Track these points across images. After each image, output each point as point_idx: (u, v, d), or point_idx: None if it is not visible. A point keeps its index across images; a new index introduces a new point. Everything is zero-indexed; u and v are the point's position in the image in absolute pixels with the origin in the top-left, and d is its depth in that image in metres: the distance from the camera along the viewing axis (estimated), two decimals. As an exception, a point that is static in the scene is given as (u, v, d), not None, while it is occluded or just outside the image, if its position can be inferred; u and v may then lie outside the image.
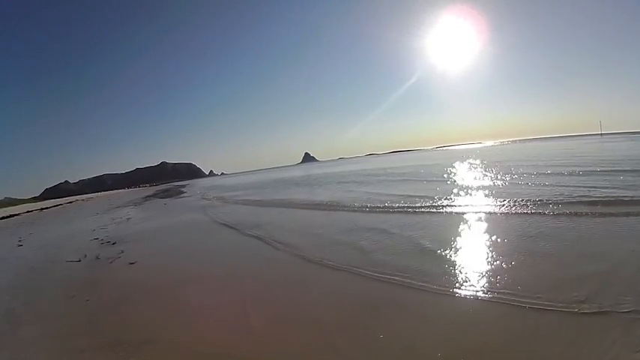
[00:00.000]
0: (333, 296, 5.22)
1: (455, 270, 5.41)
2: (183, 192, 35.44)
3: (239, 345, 4.30)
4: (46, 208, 47.35)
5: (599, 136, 79.53)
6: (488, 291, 4.65)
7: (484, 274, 5.16)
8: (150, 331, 4.76)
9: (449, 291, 4.77)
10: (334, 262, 6.50)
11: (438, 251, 6.36)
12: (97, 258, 8.83)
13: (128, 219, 18.04)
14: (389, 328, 4.10)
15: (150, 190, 44.44)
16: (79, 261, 8.69)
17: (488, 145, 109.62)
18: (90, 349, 4.35)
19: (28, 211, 38.55)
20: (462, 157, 49.67)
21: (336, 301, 5.05)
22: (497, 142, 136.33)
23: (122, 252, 9.22)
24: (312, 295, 5.41)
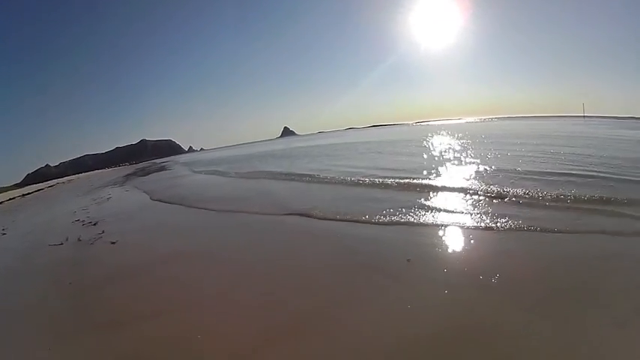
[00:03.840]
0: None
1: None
2: (162, 169, 35.56)
3: (226, 314, 4.55)
4: (28, 193, 46.38)
5: (582, 119, 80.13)
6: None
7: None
8: (136, 308, 4.93)
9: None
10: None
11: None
12: (79, 240, 9.09)
13: (109, 198, 18.13)
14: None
15: (130, 168, 43.94)
16: (62, 244, 8.94)
17: (468, 121, 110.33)
18: (77, 332, 4.49)
19: (10, 199, 37.83)
20: (436, 131, 51.39)
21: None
22: (478, 118, 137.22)
23: (103, 232, 9.47)
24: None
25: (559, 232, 6.26)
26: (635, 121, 63.46)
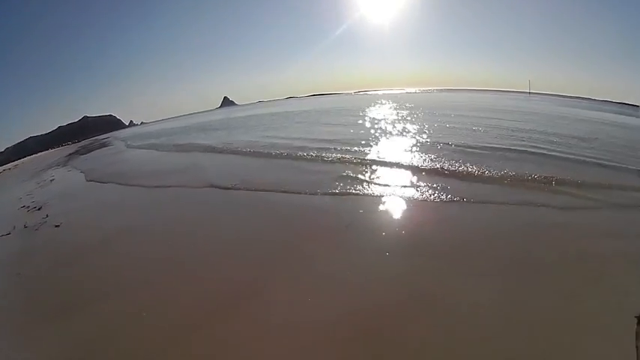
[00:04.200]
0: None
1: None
2: (103, 145, 34.40)
3: (168, 290, 4.77)
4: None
5: (528, 94, 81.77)
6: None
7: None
8: (86, 291, 5.05)
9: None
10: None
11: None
12: (25, 227, 9.43)
13: (52, 180, 18.00)
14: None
15: (73, 147, 41.55)
16: (9, 234, 9.21)
17: (409, 91, 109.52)
18: (31, 324, 4.52)
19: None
20: (376, 100, 51.48)
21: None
22: (419, 89, 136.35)
23: (47, 216, 9.92)
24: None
25: (496, 203, 6.75)
26: (580, 100, 66.48)
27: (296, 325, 3.92)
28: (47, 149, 48.52)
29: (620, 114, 33.60)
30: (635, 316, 3.55)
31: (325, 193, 8.05)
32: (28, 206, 12.27)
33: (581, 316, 3.78)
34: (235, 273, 5.04)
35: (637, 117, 31.49)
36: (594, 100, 69.96)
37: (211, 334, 3.94)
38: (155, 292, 4.86)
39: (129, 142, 31.37)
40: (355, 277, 4.62)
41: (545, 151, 11.11)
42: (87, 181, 15.03)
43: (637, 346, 3.36)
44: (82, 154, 29.92)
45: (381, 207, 6.99)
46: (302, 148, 13.43)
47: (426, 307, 4.01)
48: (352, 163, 10.69)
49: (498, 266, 4.66)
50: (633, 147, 12.49)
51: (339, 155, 11.74)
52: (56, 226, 8.79)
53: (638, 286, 4.27)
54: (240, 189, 9.29)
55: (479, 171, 8.92)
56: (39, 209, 11.24)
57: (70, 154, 31.09)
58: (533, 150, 11.22)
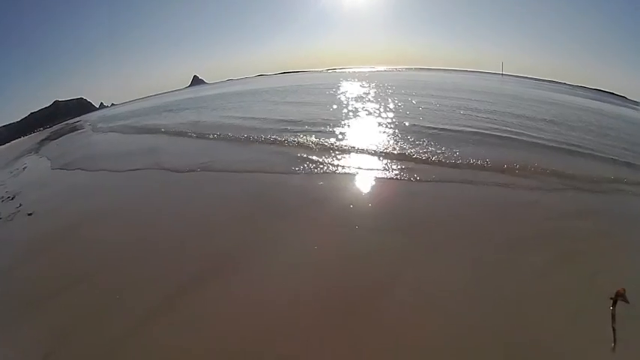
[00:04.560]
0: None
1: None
2: (73, 129, 33.90)
3: (140, 269, 4.89)
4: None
5: (500, 76, 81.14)
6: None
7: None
8: (59, 279, 5.09)
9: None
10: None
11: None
12: None
13: (24, 168, 18.04)
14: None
15: (45, 133, 40.55)
16: None
17: (379, 69, 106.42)
18: (6, 318, 4.54)
19: None
20: (345, 78, 51.17)
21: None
22: (390, 67, 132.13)
23: (20, 205, 10.08)
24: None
25: (463, 182, 6.91)
26: (556, 84, 67.23)
27: (265, 302, 3.99)
28: (20, 137, 47.05)
29: (595, 100, 34.26)
30: (610, 298, 3.53)
31: (290, 172, 8.47)
32: (2, 196, 12.30)
33: (549, 293, 3.78)
34: (206, 251, 5.19)
35: (611, 104, 32.70)
36: (569, 85, 71.97)
37: (182, 312, 4.06)
38: (126, 274, 4.96)
39: (99, 125, 31.23)
40: (324, 253, 4.69)
41: (519, 136, 11.29)
42: (55, 168, 15.16)
43: (613, 328, 3.31)
44: (53, 139, 29.63)
45: (347, 185, 7.25)
46: (261, 130, 13.73)
47: (398, 282, 4.05)
48: (310, 147, 10.80)
49: (465, 243, 4.72)
50: (605, 134, 12.93)
51: (297, 138, 11.95)
52: (29, 214, 9.00)
53: (607, 266, 4.26)
54: (200, 170, 9.70)
55: (445, 152, 9.16)
56: (12, 198, 11.39)
57: (41, 140, 30.66)
58: (506, 135, 11.40)
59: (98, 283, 4.85)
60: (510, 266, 4.27)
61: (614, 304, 3.47)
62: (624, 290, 3.55)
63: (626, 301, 3.52)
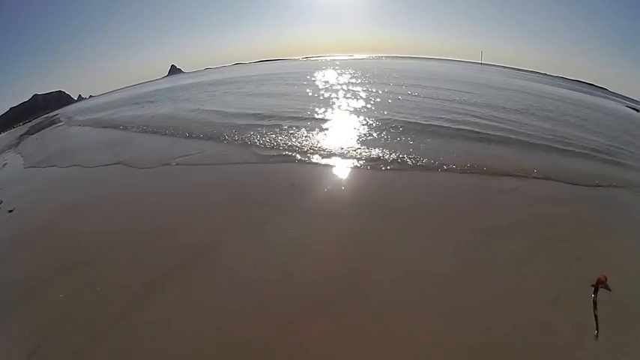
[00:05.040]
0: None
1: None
2: (52, 123, 33.96)
3: (120, 260, 4.93)
4: None
5: (479, 65, 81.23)
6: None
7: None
8: (39, 273, 5.07)
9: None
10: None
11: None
12: None
13: (4, 165, 18.24)
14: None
15: (24, 127, 40.24)
16: None
17: (358, 57, 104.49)
18: None
19: None
20: (323, 67, 50.13)
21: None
22: (368, 55, 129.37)
23: (1, 202, 10.23)
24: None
25: (442, 171, 6.99)
26: (536, 75, 67.07)
27: (248, 288, 4.01)
28: (0, 132, 46.61)
29: (575, 90, 34.99)
30: (592, 285, 3.51)
31: (266, 162, 8.95)
32: (-18, 195, 12.61)
33: (528, 279, 3.71)
34: (186, 239, 5.25)
35: (591, 94, 33.70)
36: (549, 75, 72.88)
37: (165, 298, 4.13)
38: (107, 265, 5.02)
39: (76, 118, 31.55)
40: (304, 237, 4.78)
41: (499, 123, 11.89)
42: (30, 166, 15.35)
43: (595, 315, 3.29)
44: (32, 134, 29.81)
45: (323, 172, 7.49)
46: (231, 126, 13.90)
47: (377, 270, 4.01)
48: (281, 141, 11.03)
49: (445, 229, 4.71)
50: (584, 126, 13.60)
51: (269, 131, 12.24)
52: (9, 211, 9.21)
53: (587, 252, 4.23)
54: (174, 164, 10.09)
55: (418, 142, 9.50)
56: (-7, 196, 11.52)
57: (21, 136, 30.80)
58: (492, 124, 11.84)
59: (74, 277, 4.88)
60: (490, 251, 4.27)
61: (596, 291, 3.45)
62: (606, 278, 3.54)
63: (608, 289, 3.49)
